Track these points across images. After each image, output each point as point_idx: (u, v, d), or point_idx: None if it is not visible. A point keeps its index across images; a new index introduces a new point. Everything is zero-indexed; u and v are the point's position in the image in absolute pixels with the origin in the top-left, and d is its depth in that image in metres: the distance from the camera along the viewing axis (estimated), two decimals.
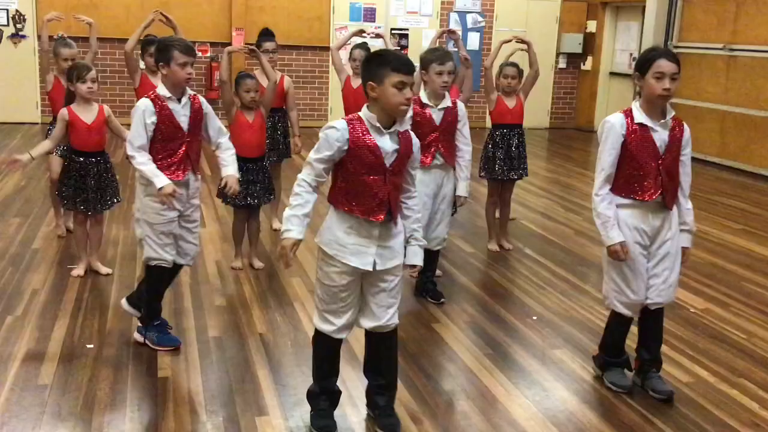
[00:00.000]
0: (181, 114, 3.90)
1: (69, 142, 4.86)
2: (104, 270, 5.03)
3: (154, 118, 3.83)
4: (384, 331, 3.20)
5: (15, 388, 3.50)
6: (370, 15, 12.31)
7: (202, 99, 4.05)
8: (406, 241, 3.23)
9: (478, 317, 4.64)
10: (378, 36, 6.80)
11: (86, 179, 4.87)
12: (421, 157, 4.31)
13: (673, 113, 3.52)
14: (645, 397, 3.68)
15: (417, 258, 3.24)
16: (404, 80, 2.92)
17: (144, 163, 3.79)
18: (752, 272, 5.75)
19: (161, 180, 3.75)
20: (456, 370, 3.92)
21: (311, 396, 3.29)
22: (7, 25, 11.11)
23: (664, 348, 4.25)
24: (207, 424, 3.27)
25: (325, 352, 3.26)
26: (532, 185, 8.35)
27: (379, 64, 2.96)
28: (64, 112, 4.78)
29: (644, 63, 3.43)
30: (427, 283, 4.89)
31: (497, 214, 6.11)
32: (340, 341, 3.23)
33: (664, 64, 3.36)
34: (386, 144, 3.01)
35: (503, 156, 5.86)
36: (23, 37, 11.16)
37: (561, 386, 3.78)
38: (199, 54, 11.68)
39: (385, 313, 3.17)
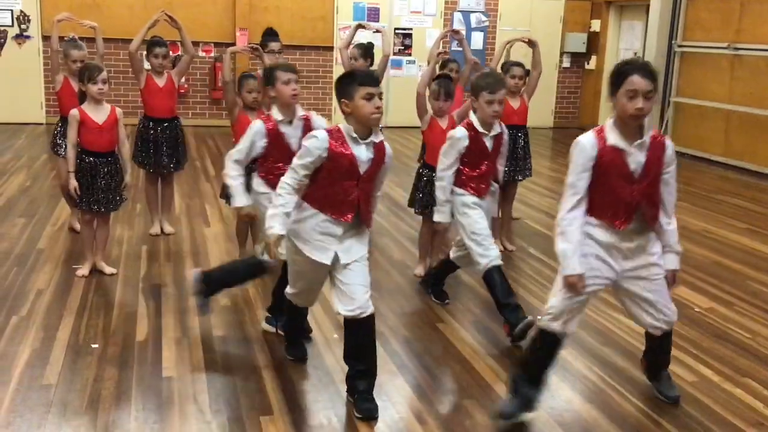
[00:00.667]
0: (293, 136, 3.97)
1: (79, 144, 4.86)
2: (109, 270, 5.04)
3: (264, 142, 3.95)
4: (361, 317, 3.37)
5: (20, 387, 3.51)
6: (373, 15, 12.31)
7: (314, 119, 4.10)
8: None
9: (483, 317, 4.64)
10: (378, 31, 6.79)
11: (96, 179, 4.87)
12: (478, 185, 4.35)
13: (652, 132, 3.20)
14: (650, 396, 3.67)
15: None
16: (371, 91, 3.25)
17: (235, 177, 3.90)
18: (757, 271, 5.74)
19: (241, 200, 3.92)
20: (461, 369, 3.92)
21: (285, 331, 3.99)
22: (12, 25, 11.14)
23: None
24: (212, 424, 3.27)
25: (295, 306, 3.81)
26: (536, 185, 8.34)
27: (348, 83, 3.31)
28: (75, 112, 4.79)
29: (616, 79, 3.11)
30: (436, 284, 4.85)
31: (499, 214, 6.11)
32: (307, 310, 3.86)
33: (637, 81, 3.04)
34: (362, 153, 3.32)
35: (508, 157, 5.84)
36: (28, 37, 11.19)
37: (566, 386, 3.78)
38: (203, 54, 11.73)
39: (362, 295, 3.37)
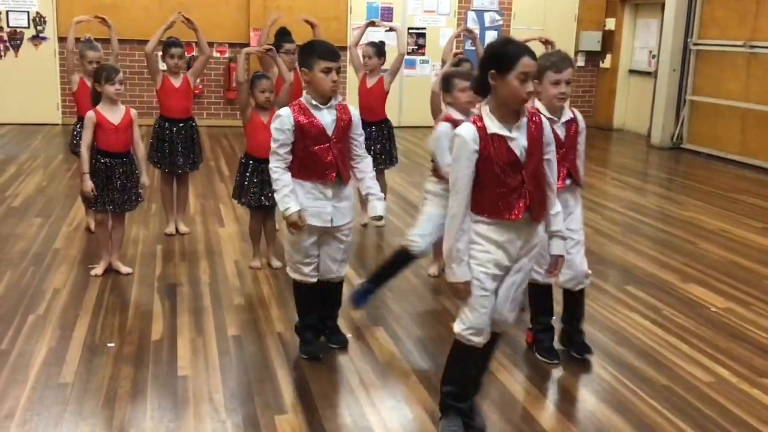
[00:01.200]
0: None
1: (95, 144, 4.90)
2: (125, 269, 5.07)
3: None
4: (335, 281, 3.97)
5: (37, 386, 3.54)
6: (387, 14, 12.31)
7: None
8: (366, 198, 3.88)
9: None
10: (391, 29, 6.72)
11: (112, 179, 4.90)
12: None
13: (527, 109, 3.01)
14: (666, 396, 3.65)
15: (378, 209, 3.87)
16: (329, 65, 3.56)
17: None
18: None
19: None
20: None
21: (298, 330, 4.02)
22: (28, 27, 11.22)
23: (684, 347, 4.24)
24: (227, 423, 3.28)
25: (303, 296, 3.96)
26: None
27: (309, 53, 3.62)
28: (91, 115, 4.83)
29: (506, 61, 2.85)
30: (574, 335, 4.08)
31: None
32: (312, 285, 3.91)
33: (529, 63, 2.85)
34: (325, 117, 3.66)
35: None
36: (44, 39, 11.27)
37: (581, 385, 3.76)
38: (217, 55, 11.77)
39: (340, 267, 3.92)
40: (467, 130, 2.92)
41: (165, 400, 3.46)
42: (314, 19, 6.30)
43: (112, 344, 4.01)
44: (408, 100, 12.35)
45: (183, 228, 6.02)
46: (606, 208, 7.23)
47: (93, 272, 5.01)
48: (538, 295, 4.02)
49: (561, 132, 3.75)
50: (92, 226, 5.79)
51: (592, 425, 3.39)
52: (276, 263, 5.32)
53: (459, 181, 2.93)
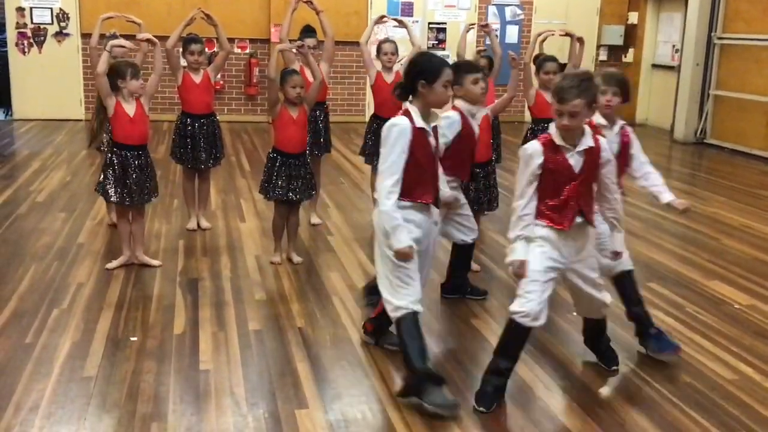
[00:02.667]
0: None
1: (111, 137, 4.94)
2: (154, 262, 5.12)
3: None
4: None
5: (61, 379, 3.58)
6: (407, 9, 12.28)
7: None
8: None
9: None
10: (401, 24, 6.34)
11: (127, 172, 4.94)
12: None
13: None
14: (689, 393, 3.62)
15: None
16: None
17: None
18: None
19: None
20: None
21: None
22: (52, 23, 11.33)
23: (707, 344, 4.19)
24: (248, 417, 3.30)
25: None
26: None
27: (457, 70, 3.81)
28: (112, 100, 4.87)
29: (434, 72, 3.40)
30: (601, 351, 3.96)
31: None
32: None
33: (449, 73, 3.44)
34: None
35: None
36: (67, 35, 11.37)
37: (601, 382, 3.74)
38: (238, 50, 11.80)
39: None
40: (402, 123, 3.42)
41: (187, 393, 3.49)
42: (318, 5, 6.21)
43: (135, 338, 4.05)
44: None
45: (204, 223, 6.06)
46: (629, 204, 7.15)
47: (107, 265, 5.05)
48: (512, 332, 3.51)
49: (575, 161, 3.36)
50: (114, 219, 5.83)
51: (614, 421, 3.37)
52: (297, 259, 5.34)
53: (390, 164, 3.44)
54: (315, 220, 6.27)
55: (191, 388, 3.54)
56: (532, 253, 3.39)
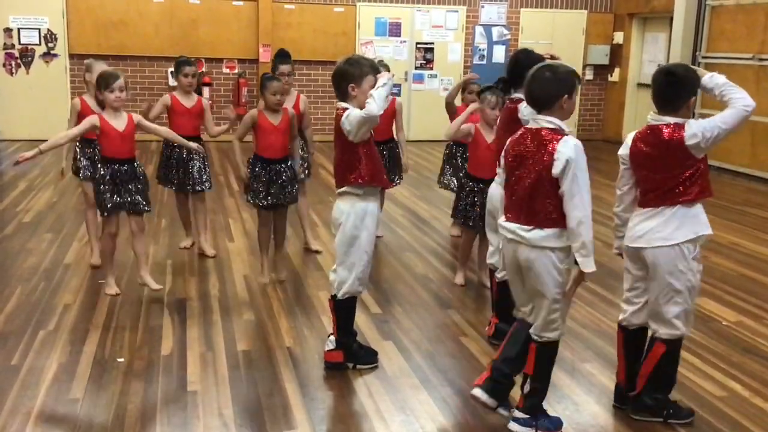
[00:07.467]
0: None
1: (100, 152, 4.88)
2: (155, 285, 4.97)
3: None
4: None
5: (47, 401, 3.54)
6: (395, 30, 12.37)
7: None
8: None
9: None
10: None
11: (120, 184, 4.82)
12: None
13: None
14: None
15: None
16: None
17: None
18: None
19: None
20: None
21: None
22: (39, 44, 11.32)
23: (696, 361, 4.20)
24: None
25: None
26: None
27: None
28: (94, 118, 4.77)
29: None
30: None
31: None
32: None
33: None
34: None
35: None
36: (55, 56, 11.37)
37: (592, 400, 3.74)
38: (227, 71, 11.83)
39: None
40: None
41: (175, 415, 3.46)
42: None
43: (122, 359, 4.02)
44: (416, 114, 12.38)
45: (210, 251, 5.89)
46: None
47: (108, 291, 4.95)
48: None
49: None
50: (94, 260, 5.54)
51: None
52: (282, 275, 5.32)
53: None
54: (315, 246, 6.14)
55: (179, 409, 3.51)
56: None
